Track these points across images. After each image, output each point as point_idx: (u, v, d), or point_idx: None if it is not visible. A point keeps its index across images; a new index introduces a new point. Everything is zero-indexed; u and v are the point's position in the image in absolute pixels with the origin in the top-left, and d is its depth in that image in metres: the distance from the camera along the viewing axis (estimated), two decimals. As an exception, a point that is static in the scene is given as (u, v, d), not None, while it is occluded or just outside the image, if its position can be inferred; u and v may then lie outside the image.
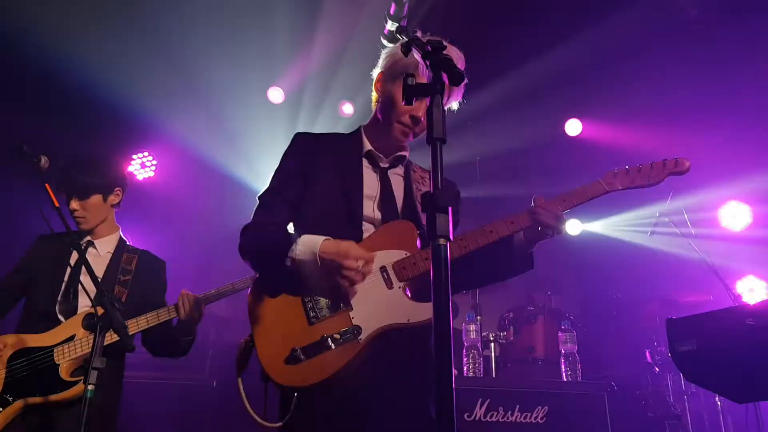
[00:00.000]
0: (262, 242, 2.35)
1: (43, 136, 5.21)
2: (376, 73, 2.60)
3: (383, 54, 2.59)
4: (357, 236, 2.36)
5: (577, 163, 7.19)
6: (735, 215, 6.85)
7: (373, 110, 2.64)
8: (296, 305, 2.26)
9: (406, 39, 2.00)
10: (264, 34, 6.02)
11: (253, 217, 2.48)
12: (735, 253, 6.40)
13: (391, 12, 2.04)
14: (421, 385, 2.28)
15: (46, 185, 2.99)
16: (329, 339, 2.18)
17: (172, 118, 6.26)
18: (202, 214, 6.42)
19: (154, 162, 6.58)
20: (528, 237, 2.45)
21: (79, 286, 3.32)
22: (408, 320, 2.22)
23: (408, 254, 2.33)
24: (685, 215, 5.48)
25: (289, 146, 2.59)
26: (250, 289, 2.35)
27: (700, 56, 6.07)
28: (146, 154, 6.57)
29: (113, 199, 3.61)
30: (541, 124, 7.08)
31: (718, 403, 5.16)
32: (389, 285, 2.29)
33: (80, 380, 3.11)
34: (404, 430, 2.23)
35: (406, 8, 2.04)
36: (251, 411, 2.19)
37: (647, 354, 5.46)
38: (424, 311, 2.21)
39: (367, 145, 2.56)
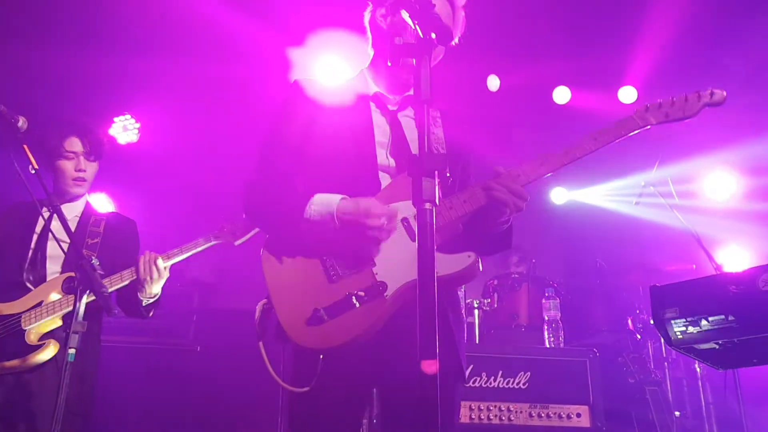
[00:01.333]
0: (272, 203, 2.24)
1: (14, 98, 5.10)
2: (368, 13, 2.47)
3: None
4: (374, 187, 2.25)
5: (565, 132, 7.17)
6: (720, 185, 6.89)
7: (371, 51, 2.51)
8: (314, 263, 2.15)
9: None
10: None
11: (257, 171, 2.33)
12: (719, 222, 6.46)
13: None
14: (450, 337, 2.18)
15: (25, 147, 2.93)
16: (353, 297, 2.06)
17: (155, 78, 6.12)
18: (188, 178, 6.33)
19: (137, 125, 6.44)
20: (488, 215, 2.25)
21: (49, 252, 3.28)
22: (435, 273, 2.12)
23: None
24: (671, 184, 5.50)
25: (288, 93, 2.42)
26: (262, 254, 2.21)
27: (688, 22, 6.03)
28: (128, 116, 6.42)
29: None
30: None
31: (698, 370, 5.25)
32: (413, 237, 2.14)
33: (44, 344, 3.09)
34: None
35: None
36: (276, 377, 2.12)
37: (629, 321, 5.52)
38: (452, 263, 2.11)
39: (373, 87, 2.43)
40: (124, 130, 6.40)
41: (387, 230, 2.10)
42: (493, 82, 6.91)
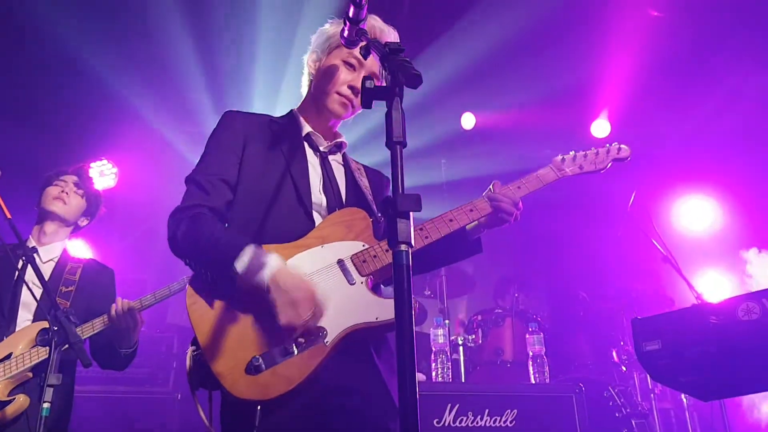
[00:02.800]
0: (201, 239, 2.08)
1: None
2: (306, 56, 2.52)
3: (315, 35, 2.51)
4: (308, 225, 2.22)
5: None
6: (697, 213, 6.98)
7: (304, 93, 2.54)
8: (247, 306, 2.02)
9: (365, 42, 1.97)
10: (239, 38, 5.93)
11: (185, 199, 2.21)
12: (697, 250, 6.51)
13: (350, 15, 2.00)
14: (391, 388, 2.12)
15: (-2, 195, 2.91)
16: (293, 344, 1.97)
17: (134, 121, 6.14)
18: (166, 220, 6.29)
19: (114, 170, 6.41)
20: (486, 223, 2.41)
21: (21, 300, 3.23)
22: (377, 318, 2.05)
23: (366, 246, 2.19)
24: (649, 213, 5.53)
25: (220, 123, 2.35)
26: (187, 289, 2.08)
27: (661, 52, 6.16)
28: (104, 161, 6.38)
29: (84, 220, 3.61)
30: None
31: (685, 401, 5.22)
32: (350, 280, 2.12)
33: (14, 399, 3.02)
34: None
35: (364, 11, 2.00)
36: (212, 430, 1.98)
37: (614, 353, 5.51)
38: (393, 308, 2.09)
39: (306, 128, 2.42)
40: (101, 175, 6.35)
41: (303, 322, 1.96)
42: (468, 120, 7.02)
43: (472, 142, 7.15)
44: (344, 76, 2.37)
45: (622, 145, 2.63)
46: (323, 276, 2.12)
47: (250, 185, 2.24)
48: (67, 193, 3.50)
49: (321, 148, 2.43)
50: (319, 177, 2.35)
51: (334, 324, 2.03)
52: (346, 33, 2.04)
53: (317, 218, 2.26)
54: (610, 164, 2.60)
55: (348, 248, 2.18)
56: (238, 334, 2.00)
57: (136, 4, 5.52)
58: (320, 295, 2.02)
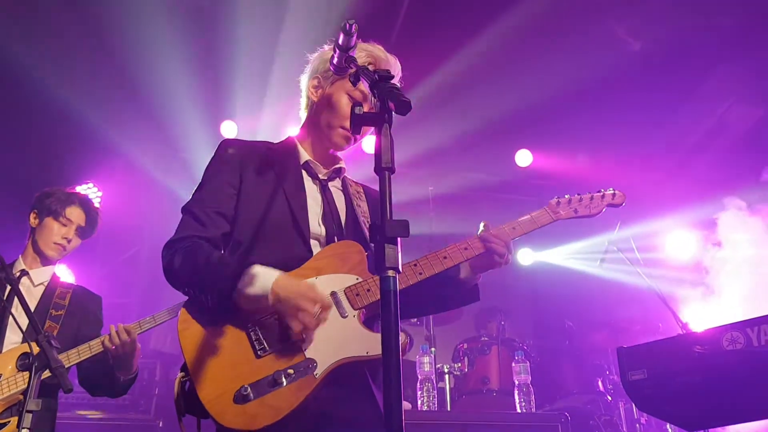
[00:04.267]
0: (199, 268, 2.07)
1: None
2: (306, 79, 2.49)
3: (314, 58, 2.49)
4: (305, 254, 2.20)
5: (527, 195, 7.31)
6: (681, 243, 7.02)
7: (303, 118, 2.52)
8: (239, 335, 2.03)
9: (354, 69, 1.99)
10: (218, 65, 5.96)
11: (180, 230, 2.20)
12: (683, 280, 6.54)
13: (340, 42, 2.02)
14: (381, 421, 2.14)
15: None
16: (282, 375, 1.95)
17: (117, 147, 6.13)
18: (150, 245, 6.25)
19: (99, 194, 6.39)
20: (477, 264, 2.37)
21: (9, 321, 3.18)
22: (367, 353, 2.03)
23: (359, 279, 2.18)
24: (633, 244, 5.58)
25: (217, 153, 2.35)
26: (180, 313, 2.08)
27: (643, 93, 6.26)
28: (90, 185, 6.37)
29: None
30: (493, 155, 7.18)
31: (670, 430, 5.21)
32: (342, 313, 2.11)
33: (7, 422, 2.98)
34: None
35: (354, 39, 2.02)
36: None
37: (599, 383, 5.50)
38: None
39: (305, 156, 2.41)
40: (86, 198, 6.33)
41: (317, 319, 2.02)
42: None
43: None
44: (349, 111, 2.32)
45: (617, 191, 2.66)
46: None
47: (248, 216, 2.23)
48: (69, 240, 3.46)
49: (320, 176, 2.41)
50: (320, 207, 2.33)
51: (324, 356, 2.02)
52: (335, 60, 2.05)
53: (316, 248, 2.25)
54: (604, 209, 2.62)
55: (342, 281, 2.17)
56: (228, 362, 1.99)
57: (111, 26, 5.52)
58: (320, 289, 2.05)
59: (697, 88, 6.32)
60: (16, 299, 3.16)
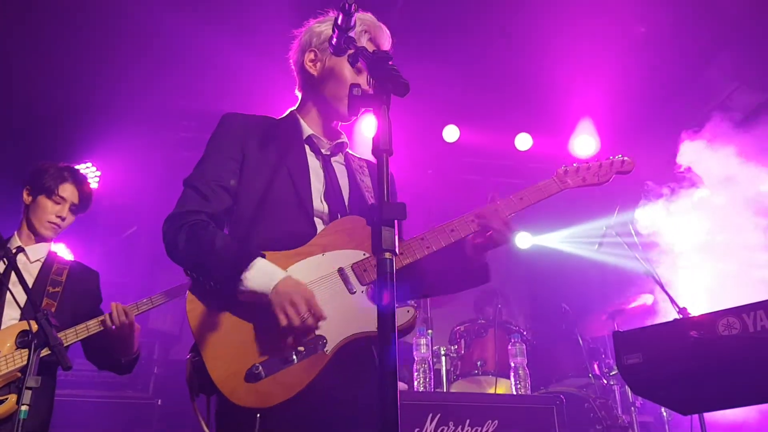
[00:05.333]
0: (203, 251, 2.06)
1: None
2: (298, 54, 2.46)
3: (304, 33, 2.46)
4: (310, 232, 2.19)
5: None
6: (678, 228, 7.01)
7: (300, 93, 2.50)
8: (248, 314, 2.03)
9: (353, 50, 1.97)
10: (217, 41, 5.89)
11: (181, 204, 2.18)
12: (680, 264, 6.54)
13: (339, 23, 2.00)
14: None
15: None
16: (292, 352, 1.98)
17: (115, 127, 6.09)
18: (149, 225, 6.25)
19: (98, 173, 6.38)
20: (480, 242, 2.31)
21: (7, 297, 3.18)
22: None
23: (366, 254, 2.17)
24: (632, 228, 5.57)
25: (219, 126, 2.33)
26: (187, 295, 2.08)
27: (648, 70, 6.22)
28: (89, 164, 6.36)
29: None
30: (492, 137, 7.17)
31: (665, 414, 5.25)
32: (351, 289, 2.12)
33: (5, 399, 3.00)
34: None
35: (353, 19, 2.01)
36: None
37: (595, 366, 5.52)
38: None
39: (308, 130, 2.38)
40: (84, 177, 6.33)
41: (303, 324, 1.96)
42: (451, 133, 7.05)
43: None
44: (354, 79, 2.32)
45: (626, 158, 2.61)
46: (323, 284, 2.11)
47: (250, 191, 2.22)
48: (63, 218, 3.42)
49: (323, 151, 2.39)
50: (322, 183, 2.31)
51: (333, 333, 2.03)
52: (334, 41, 2.04)
53: (319, 225, 2.23)
54: (613, 176, 2.58)
55: (349, 257, 2.17)
56: (238, 342, 2.00)
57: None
58: (318, 300, 2.02)
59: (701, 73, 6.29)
60: (13, 275, 3.18)
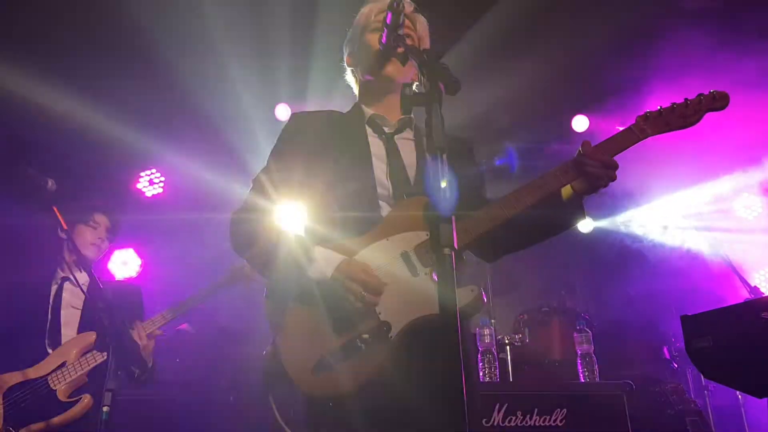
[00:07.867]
0: (263, 248, 2.19)
1: (48, 157, 5.28)
2: (345, 56, 2.57)
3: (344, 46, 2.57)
4: (375, 216, 2.21)
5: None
6: (747, 206, 6.79)
7: (356, 90, 2.57)
8: (315, 306, 2.09)
9: (402, 49, 2.00)
10: (265, 51, 6.00)
11: (248, 200, 2.33)
12: (752, 244, 6.33)
13: (388, 21, 2.03)
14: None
15: (55, 209, 3.03)
16: (358, 340, 2.02)
17: (178, 135, 6.28)
18: (211, 230, 6.41)
19: (162, 179, 6.61)
20: (579, 187, 2.21)
21: (63, 318, 3.52)
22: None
23: (428, 234, 2.13)
24: (700, 209, 5.43)
25: (286, 125, 2.46)
26: (266, 291, 2.19)
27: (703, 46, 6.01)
28: (154, 170, 6.60)
29: None
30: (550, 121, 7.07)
31: (740, 397, 5.11)
32: (414, 272, 2.10)
33: (79, 399, 3.29)
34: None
35: (402, 17, 2.03)
36: (287, 429, 2.07)
37: (665, 350, 5.41)
38: (458, 298, 2.03)
39: (368, 112, 2.42)
40: (150, 183, 6.59)
41: (363, 301, 2.04)
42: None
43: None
44: (377, 42, 2.27)
45: (717, 92, 2.29)
46: (389, 270, 2.11)
47: (316, 182, 2.29)
48: (102, 240, 3.79)
49: (386, 130, 2.39)
50: (385, 164, 2.31)
51: (397, 318, 2.04)
52: (383, 39, 2.07)
53: (385, 208, 2.24)
54: (703, 116, 2.29)
55: (411, 239, 2.15)
56: (307, 334, 2.07)
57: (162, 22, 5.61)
58: (379, 283, 2.07)
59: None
60: (63, 298, 3.55)
